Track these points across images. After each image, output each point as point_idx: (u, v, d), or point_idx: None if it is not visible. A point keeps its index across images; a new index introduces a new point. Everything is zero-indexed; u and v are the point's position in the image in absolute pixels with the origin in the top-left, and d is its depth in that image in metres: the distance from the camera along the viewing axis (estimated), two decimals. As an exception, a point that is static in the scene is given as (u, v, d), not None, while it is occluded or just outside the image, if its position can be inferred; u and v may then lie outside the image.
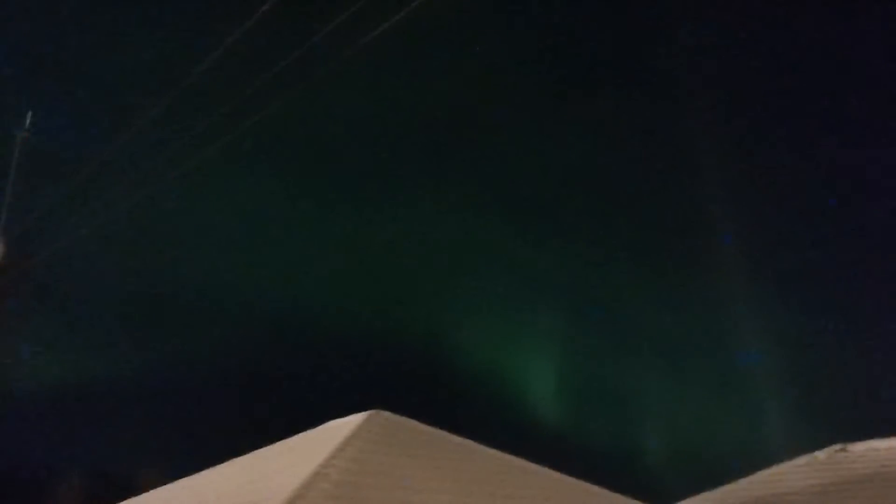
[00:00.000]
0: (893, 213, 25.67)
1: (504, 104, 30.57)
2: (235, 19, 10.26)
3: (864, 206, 26.85)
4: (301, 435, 11.63)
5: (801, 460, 13.56)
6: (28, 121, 16.66)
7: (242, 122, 11.98)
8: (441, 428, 11.71)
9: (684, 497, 14.02)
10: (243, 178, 29.44)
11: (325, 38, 10.04)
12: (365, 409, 11.12)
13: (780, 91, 27.90)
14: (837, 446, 13.33)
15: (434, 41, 26.70)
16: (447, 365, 30.01)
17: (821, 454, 13.39)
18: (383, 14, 9.51)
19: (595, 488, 11.41)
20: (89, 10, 26.88)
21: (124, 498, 12.52)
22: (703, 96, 27.30)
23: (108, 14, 27.08)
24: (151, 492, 12.39)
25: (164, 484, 12.59)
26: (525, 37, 29.53)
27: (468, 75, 29.53)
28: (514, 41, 29.41)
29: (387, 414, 11.08)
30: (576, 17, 28.55)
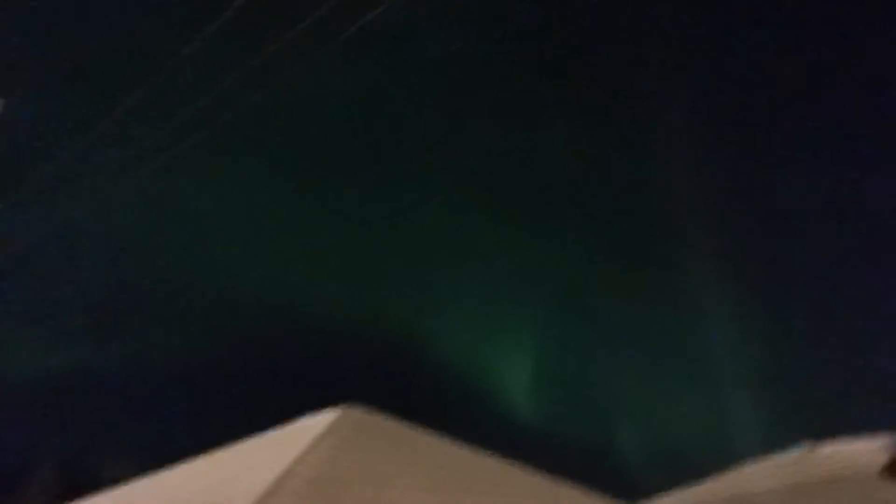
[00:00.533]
0: (869, 214, 25.89)
1: (487, 99, 30.57)
2: (217, 9, 10.20)
3: (839, 207, 27.11)
4: (274, 431, 11.60)
5: (771, 460, 13.74)
6: (1, 109, 16.43)
7: (223, 114, 11.92)
8: (417, 423, 11.73)
9: (658, 494, 14.16)
10: (222, 170, 29.23)
11: (310, 29, 10.01)
12: (339, 404, 11.12)
13: (763, 90, 28.05)
14: (806, 447, 13.51)
15: (418, 33, 26.63)
16: (424, 360, 30.01)
17: (789, 455, 13.56)
18: (368, 5, 9.50)
19: (567, 486, 11.46)
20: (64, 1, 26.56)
21: (96, 492, 12.42)
22: (687, 96, 27.44)
23: (84, 4, 26.73)
24: (123, 487, 12.29)
25: (137, 478, 12.51)
26: (509, 31, 29.50)
27: (453, 70, 29.48)
28: (497, 35, 29.38)
29: (360, 410, 11.08)
30: (562, 12, 28.56)
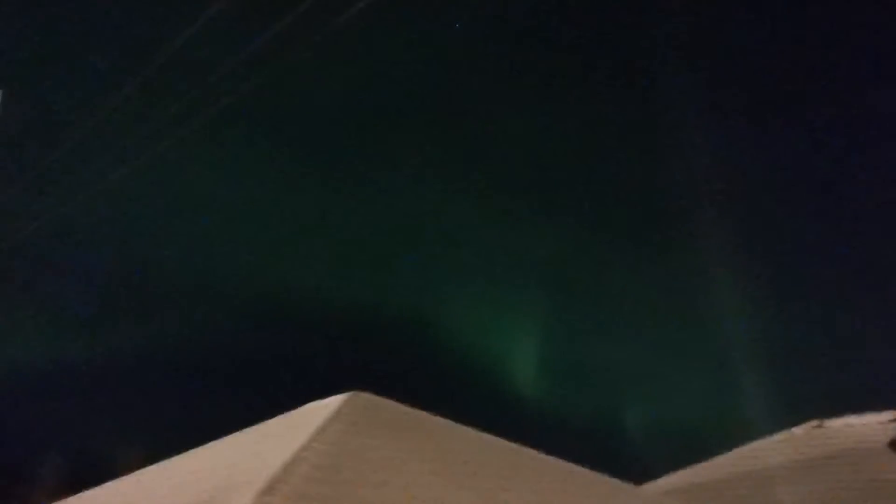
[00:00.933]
0: (871, 197, 25.82)
1: (488, 83, 30.43)
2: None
3: (843, 190, 27.04)
4: (280, 417, 11.56)
5: (779, 436, 13.71)
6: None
7: (221, 104, 11.85)
8: (423, 408, 11.69)
9: (665, 474, 14.14)
10: (220, 159, 29.15)
11: (304, 16, 9.92)
12: (345, 391, 11.08)
13: (767, 79, 27.92)
14: (814, 422, 13.48)
15: (416, 19, 26.45)
16: (429, 344, 30.03)
17: (798, 430, 13.53)
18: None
19: (577, 467, 11.44)
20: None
21: (103, 480, 12.42)
22: (690, 78, 27.31)
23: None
24: (130, 475, 12.28)
25: (143, 466, 12.49)
26: (510, 15, 29.31)
27: (452, 53, 29.33)
28: (498, 20, 29.19)
29: (367, 395, 11.03)
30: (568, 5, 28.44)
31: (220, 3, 10.22)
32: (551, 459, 11.53)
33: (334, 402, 10.57)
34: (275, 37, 10.47)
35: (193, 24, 10.70)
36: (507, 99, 30.60)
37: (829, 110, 26.68)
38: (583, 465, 11.65)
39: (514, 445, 11.58)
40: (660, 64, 27.76)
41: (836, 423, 13.12)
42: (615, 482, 11.56)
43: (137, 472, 12.23)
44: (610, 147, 30.15)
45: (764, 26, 27.49)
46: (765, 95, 27.69)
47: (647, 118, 28.37)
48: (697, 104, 26.95)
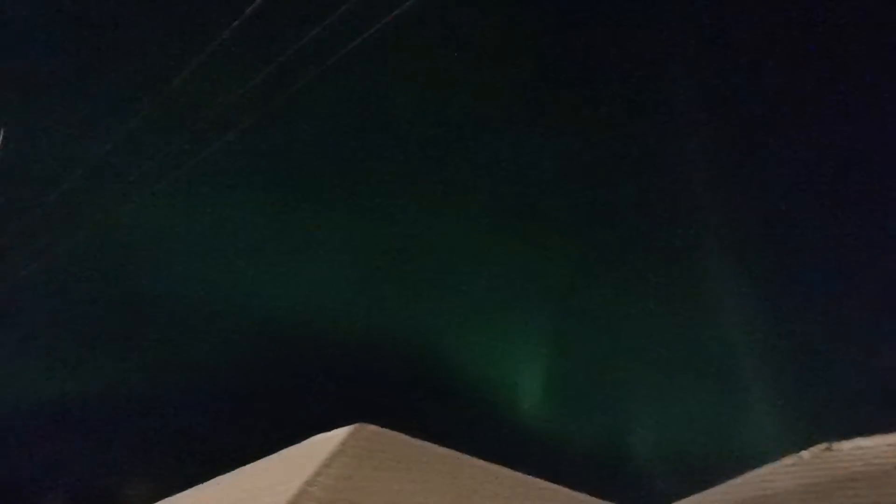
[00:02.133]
0: (885, 213, 25.77)
1: (491, 105, 30.51)
2: (219, 24, 10.20)
3: (854, 206, 26.99)
4: (285, 451, 11.53)
5: (788, 460, 13.60)
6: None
7: (225, 129, 11.92)
8: (427, 436, 11.65)
9: (673, 501, 14.03)
10: (223, 189, 29.25)
11: (313, 40, 10.01)
12: (350, 422, 11.05)
13: (768, 87, 27.97)
14: (823, 445, 13.37)
15: (421, 41, 26.62)
16: (433, 374, 29.91)
17: (807, 454, 13.43)
18: (371, 16, 9.50)
19: (584, 496, 11.38)
20: (65, 19, 26.65)
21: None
22: (692, 95, 27.35)
23: (84, 23, 26.82)
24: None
25: (152, 502, 12.46)
26: (509, 37, 29.50)
27: (456, 77, 29.48)
28: (497, 42, 29.39)
29: (372, 427, 10.99)
30: (561, 14, 28.54)
31: (223, 34, 10.32)
32: (558, 489, 11.47)
33: (339, 434, 10.55)
34: (279, 66, 10.56)
35: (197, 55, 10.80)
36: (514, 119, 30.71)
37: (839, 120, 26.68)
38: (591, 493, 11.59)
39: (520, 475, 11.52)
40: (664, 80, 27.88)
41: (846, 446, 13.02)
42: (624, 510, 11.49)
43: (143, 508, 12.19)
44: (619, 173, 30.23)
45: (765, 33, 27.58)
46: (770, 107, 27.76)
47: (659, 141, 28.47)
48: (705, 121, 27.11)
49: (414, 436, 11.46)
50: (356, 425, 10.81)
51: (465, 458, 11.52)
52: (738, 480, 13.60)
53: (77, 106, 26.64)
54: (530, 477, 11.57)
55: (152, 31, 26.34)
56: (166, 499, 12.10)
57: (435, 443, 11.60)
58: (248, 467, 11.57)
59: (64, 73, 26.68)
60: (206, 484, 11.77)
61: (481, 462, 11.54)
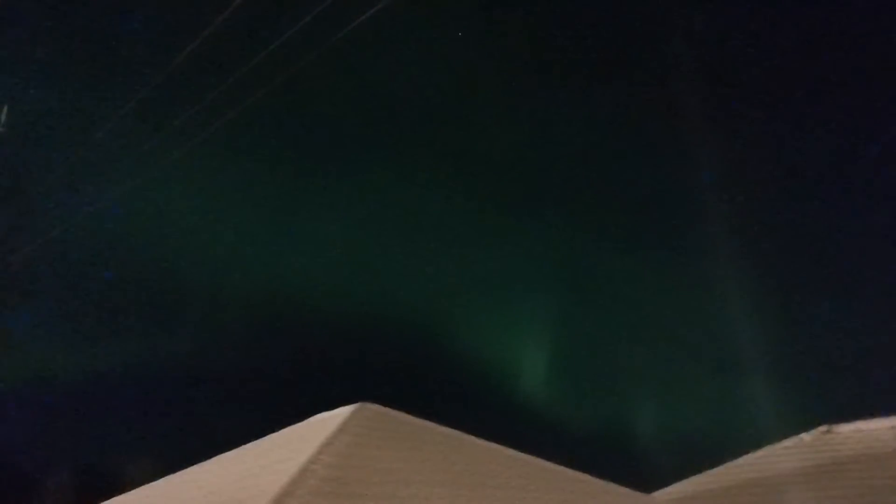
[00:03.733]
0: (881, 200, 25.75)
1: (497, 86, 30.43)
2: (213, 10, 10.14)
3: (851, 192, 26.97)
4: (287, 429, 11.55)
5: (788, 442, 13.65)
6: (3, 116, 16.42)
7: (224, 113, 11.88)
8: (430, 417, 11.67)
9: (675, 482, 14.07)
10: (226, 167, 29.21)
11: (308, 25, 9.95)
12: (352, 401, 11.06)
13: (770, 78, 27.88)
14: (823, 428, 13.41)
15: (421, 25, 26.50)
16: (436, 353, 29.97)
17: (807, 436, 13.47)
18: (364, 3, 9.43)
19: (584, 476, 11.40)
20: (63, 5, 26.53)
21: (112, 494, 12.42)
22: (696, 80, 27.25)
23: (81, 9, 26.72)
24: (138, 489, 12.28)
25: (151, 480, 12.49)
26: (513, 17, 29.36)
27: (457, 59, 29.36)
28: (501, 22, 29.25)
29: (374, 406, 11.01)
30: (564, 5, 28.44)
31: (221, 15, 10.26)
32: (561, 469, 11.49)
33: (342, 413, 10.56)
34: (277, 48, 10.52)
35: (194, 38, 10.75)
36: (521, 103, 30.61)
37: (844, 114, 26.61)
38: (593, 474, 11.62)
39: (523, 455, 11.54)
40: (669, 67, 27.76)
41: (846, 429, 13.06)
42: (625, 491, 11.52)
43: (145, 487, 12.23)
44: (622, 157, 30.16)
45: (771, 30, 27.49)
46: (776, 100, 27.69)
47: (662, 124, 28.37)
48: (709, 109, 26.99)
49: (416, 415, 11.48)
50: (358, 404, 10.83)
51: (468, 437, 11.55)
52: (740, 461, 13.66)
53: (75, 89, 26.59)
54: (532, 457, 11.59)
55: (149, 17, 26.23)
56: (167, 476, 12.14)
57: (437, 423, 11.62)
58: (250, 445, 11.59)
59: (61, 57, 26.58)
60: (207, 462, 11.79)
61: (483, 442, 11.56)
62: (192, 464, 12.09)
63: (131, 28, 26.99)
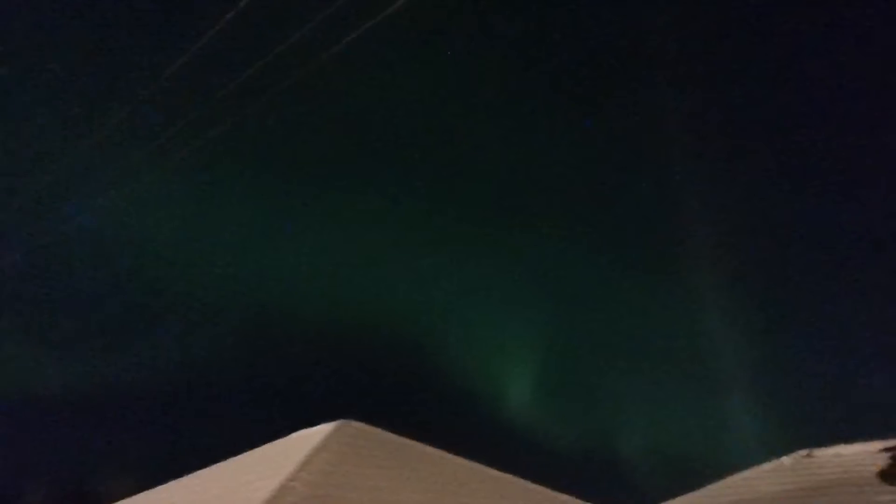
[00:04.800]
0: (866, 218, 25.94)
1: (482, 99, 30.51)
2: (209, 21, 10.18)
3: (836, 212, 27.15)
4: (268, 446, 11.50)
5: (769, 466, 13.67)
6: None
7: (219, 121, 11.91)
8: (412, 435, 11.65)
9: (655, 503, 14.07)
10: (211, 180, 29.12)
11: (300, 40, 10.01)
12: (333, 418, 11.04)
13: (767, 90, 28.04)
14: (804, 452, 13.45)
15: (411, 34, 26.58)
16: (419, 371, 29.89)
17: (787, 459, 13.50)
18: (359, 16, 9.50)
19: (565, 497, 11.40)
20: (55, 12, 26.47)
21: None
22: (689, 93, 27.44)
23: (74, 15, 26.67)
24: (118, 503, 12.18)
25: (130, 495, 12.39)
26: (502, 31, 29.50)
27: (446, 69, 29.45)
28: (492, 33, 29.39)
29: (355, 424, 10.99)
30: (550, 15, 28.59)
31: (211, 30, 10.29)
32: (540, 489, 11.49)
33: (323, 430, 10.53)
34: (264, 63, 10.57)
35: (185, 51, 10.78)
36: (511, 115, 30.68)
37: (837, 125, 26.76)
38: (574, 494, 11.61)
39: (502, 475, 11.53)
40: (657, 80, 27.95)
41: (826, 453, 13.10)
42: (605, 512, 11.52)
43: (125, 501, 12.13)
44: (610, 173, 30.27)
45: (759, 37, 27.67)
46: (769, 111, 27.87)
47: (651, 142, 28.50)
48: (698, 122, 27.20)
49: (399, 433, 11.46)
50: (340, 422, 10.81)
51: (448, 456, 11.53)
52: (721, 484, 13.66)
53: (66, 98, 26.51)
54: (512, 476, 11.58)
55: (144, 24, 26.25)
56: (146, 491, 12.04)
57: (419, 441, 11.60)
58: (231, 461, 11.53)
59: (53, 65, 26.52)
60: (185, 478, 11.72)
61: (464, 460, 11.55)
62: (171, 480, 12.01)
63: (119, 38, 26.95)
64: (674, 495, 14.15)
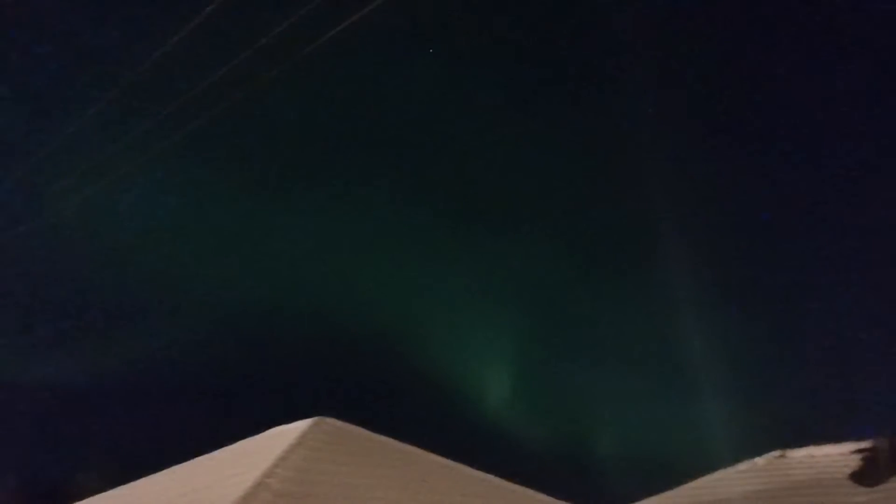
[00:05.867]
0: (839, 219, 26.19)
1: (460, 102, 30.53)
2: (187, 17, 10.09)
3: (808, 213, 27.42)
4: (243, 442, 11.44)
5: (742, 466, 13.77)
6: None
7: (202, 117, 11.82)
8: (389, 433, 11.63)
9: (628, 502, 14.14)
10: (192, 177, 28.91)
11: (280, 36, 9.96)
12: (309, 415, 10.99)
13: (748, 89, 28.19)
14: (777, 452, 13.56)
15: (392, 39, 26.53)
16: (396, 368, 29.84)
17: (761, 460, 13.61)
18: (341, 13, 9.46)
19: (542, 496, 11.43)
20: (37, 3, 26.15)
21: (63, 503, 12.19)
22: (667, 95, 27.56)
23: (56, 7, 26.36)
24: (87, 500, 12.06)
25: (103, 490, 12.29)
26: (480, 37, 29.54)
27: (429, 74, 29.42)
28: (469, 41, 29.41)
29: (332, 421, 10.94)
30: (531, 18, 28.66)
31: (192, 23, 10.21)
32: (515, 487, 11.51)
33: (299, 427, 10.48)
34: (246, 60, 10.51)
35: (166, 43, 10.69)
36: (489, 118, 30.71)
37: (821, 124, 26.95)
38: (548, 492, 11.64)
39: (478, 473, 11.54)
40: (639, 85, 28.06)
41: (799, 454, 13.23)
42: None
43: (97, 497, 12.02)
44: (585, 174, 30.38)
45: (740, 42, 27.86)
46: (749, 118, 28.06)
47: (629, 142, 28.61)
48: (684, 131, 27.34)
49: (375, 430, 11.43)
50: (316, 418, 10.76)
51: (424, 454, 11.52)
52: (694, 484, 13.75)
53: (43, 90, 26.22)
54: (488, 475, 11.60)
55: (124, 17, 26.00)
56: (118, 487, 11.94)
57: (396, 438, 11.58)
58: (204, 457, 11.45)
59: (30, 60, 26.22)
60: (158, 474, 11.63)
61: (440, 458, 11.54)
62: (143, 476, 11.91)
63: (99, 32, 26.67)
64: (648, 495, 14.22)
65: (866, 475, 11.58)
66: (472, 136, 31.25)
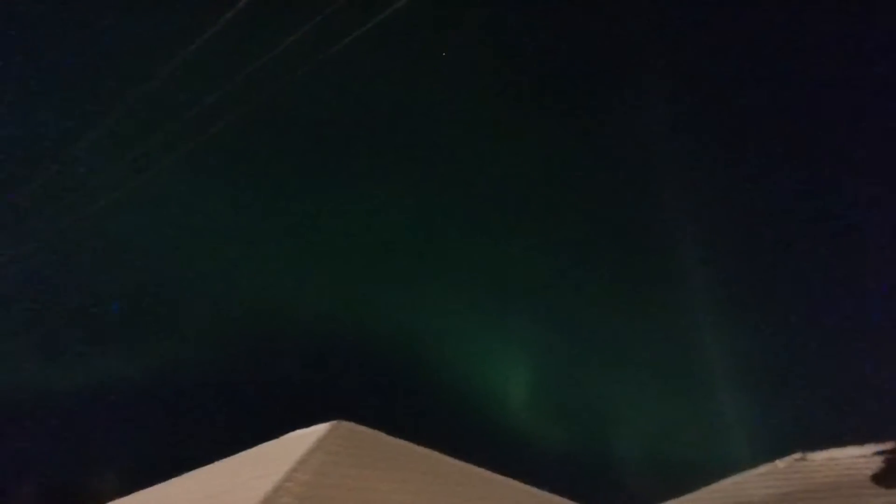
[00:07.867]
0: (863, 221, 25.99)
1: (476, 104, 30.51)
2: (204, 22, 10.16)
3: (833, 213, 27.20)
4: (262, 446, 11.47)
5: (762, 468, 13.68)
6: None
7: (213, 124, 11.89)
8: (407, 436, 11.63)
9: (649, 505, 14.07)
10: (203, 184, 29.06)
11: (292, 42, 10.01)
12: (328, 419, 11.01)
13: (754, 96, 28.07)
14: (797, 455, 13.45)
15: (397, 43, 26.56)
16: (415, 373, 29.87)
17: (781, 463, 13.51)
18: (350, 21, 9.51)
19: (558, 499, 11.41)
20: (49, 9, 26.39)
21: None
22: (678, 102, 27.48)
23: (69, 14, 26.60)
24: (112, 503, 12.14)
25: (124, 495, 12.36)
26: (489, 38, 29.52)
27: (435, 74, 29.43)
28: (477, 43, 29.40)
29: (350, 425, 10.96)
30: (536, 21, 28.63)
31: (207, 30, 10.29)
32: (533, 490, 11.49)
33: (317, 431, 10.51)
34: (269, 61, 10.57)
35: (183, 50, 10.76)
36: (501, 123, 30.66)
37: (832, 125, 26.77)
38: (569, 496, 11.61)
39: (496, 476, 11.53)
40: (650, 87, 27.97)
41: (820, 456, 13.11)
42: (599, 514, 11.52)
43: (118, 501, 12.09)
44: (606, 178, 30.31)
45: (745, 46, 27.75)
46: (758, 123, 27.94)
47: (640, 149, 28.53)
48: (683, 129, 27.23)
49: (393, 434, 11.44)
50: (334, 422, 10.78)
51: (443, 457, 11.51)
52: (713, 487, 13.66)
53: (56, 102, 26.43)
54: (506, 478, 11.58)
55: (134, 29, 26.18)
56: (140, 491, 12.01)
57: (413, 442, 11.59)
58: (224, 462, 11.50)
59: (41, 70, 26.45)
60: (179, 478, 11.69)
61: (458, 462, 11.54)
62: (165, 480, 11.98)
63: (110, 41, 26.86)
64: (667, 498, 14.15)
65: (889, 477, 11.47)
66: (492, 145, 31.28)
